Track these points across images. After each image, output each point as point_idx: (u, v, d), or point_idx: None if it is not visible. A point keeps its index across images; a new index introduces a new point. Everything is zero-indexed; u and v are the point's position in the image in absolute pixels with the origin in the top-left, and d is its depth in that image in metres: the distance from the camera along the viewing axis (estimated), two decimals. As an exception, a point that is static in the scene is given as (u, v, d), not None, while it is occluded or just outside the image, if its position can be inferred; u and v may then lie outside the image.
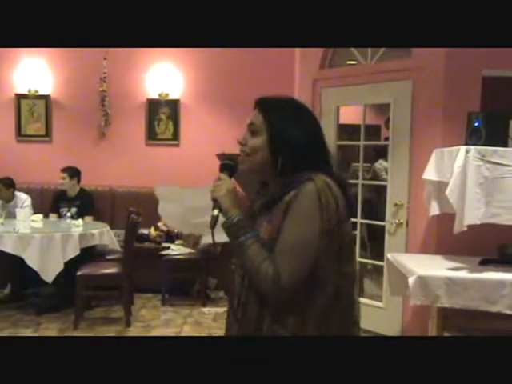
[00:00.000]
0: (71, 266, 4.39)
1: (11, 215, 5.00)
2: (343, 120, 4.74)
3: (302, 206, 1.32)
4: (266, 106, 1.44)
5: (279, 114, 1.42)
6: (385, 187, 4.33)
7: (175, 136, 6.02)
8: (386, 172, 4.86)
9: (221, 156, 1.54)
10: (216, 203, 1.42)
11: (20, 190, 5.41)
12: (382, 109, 5.41)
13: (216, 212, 1.42)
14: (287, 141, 1.39)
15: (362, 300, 4.47)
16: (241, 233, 1.37)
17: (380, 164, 5.72)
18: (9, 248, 4.32)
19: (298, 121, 1.42)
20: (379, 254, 4.41)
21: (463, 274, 2.95)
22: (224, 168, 1.46)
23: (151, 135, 6.04)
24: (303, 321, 1.35)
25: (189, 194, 1.58)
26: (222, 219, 1.43)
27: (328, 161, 1.44)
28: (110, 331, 4.30)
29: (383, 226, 4.28)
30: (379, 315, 4.27)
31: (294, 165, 1.38)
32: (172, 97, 6.01)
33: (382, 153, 5.33)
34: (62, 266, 4.34)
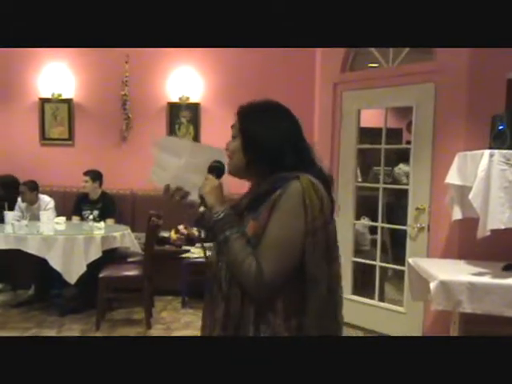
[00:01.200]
0: (93, 267, 4.44)
1: (35, 217, 5.08)
2: (364, 123, 4.72)
3: (287, 205, 1.35)
4: (240, 111, 1.51)
5: (251, 117, 1.48)
6: (405, 191, 4.30)
7: (196, 139, 6.05)
8: (407, 177, 4.82)
9: None
10: (202, 201, 1.47)
11: (43, 193, 5.49)
12: (404, 112, 5.37)
13: (201, 209, 1.49)
14: (259, 142, 1.43)
15: (383, 305, 4.44)
16: (226, 227, 1.40)
17: (399, 169, 5.66)
18: (33, 249, 4.39)
19: (271, 123, 1.46)
20: (400, 258, 4.38)
21: (486, 280, 2.92)
22: (211, 169, 1.52)
23: (172, 139, 6.09)
24: (289, 318, 1.37)
25: (195, 150, 1.55)
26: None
27: (311, 160, 1.47)
28: (131, 333, 4.34)
29: (404, 231, 4.24)
30: (400, 320, 4.23)
31: (269, 166, 1.42)
32: (192, 100, 6.05)
33: (402, 157, 5.28)
34: (84, 268, 4.40)
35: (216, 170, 1.52)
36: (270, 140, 1.43)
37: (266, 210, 1.38)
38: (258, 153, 1.43)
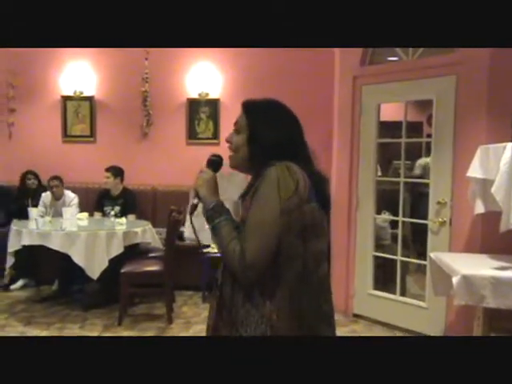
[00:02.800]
0: (115, 263, 4.49)
1: (58, 213, 5.16)
2: (383, 116, 4.68)
3: (263, 189, 1.44)
4: (248, 107, 1.60)
5: (259, 115, 1.57)
6: (425, 185, 4.25)
7: (215, 135, 6.07)
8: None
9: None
10: (196, 193, 1.59)
11: (66, 189, 5.57)
12: (424, 105, 5.31)
13: (195, 200, 1.60)
14: (263, 139, 1.52)
15: (405, 299, 4.41)
16: (215, 216, 1.51)
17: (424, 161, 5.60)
18: (56, 245, 4.45)
19: (275, 122, 1.55)
20: (422, 252, 4.34)
21: (510, 274, 2.88)
22: (209, 163, 1.64)
23: (192, 134, 6.12)
24: (273, 298, 1.43)
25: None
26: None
27: (308, 157, 1.56)
28: (153, 327, 4.38)
29: (425, 225, 4.20)
30: (422, 315, 4.20)
31: (270, 161, 1.48)
32: (212, 96, 6.07)
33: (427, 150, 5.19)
34: (106, 264, 4.45)
35: (214, 163, 1.64)
36: (274, 137, 1.52)
37: (249, 199, 1.49)
38: (263, 148, 1.52)
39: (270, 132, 1.53)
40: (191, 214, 1.62)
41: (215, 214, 1.52)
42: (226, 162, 1.65)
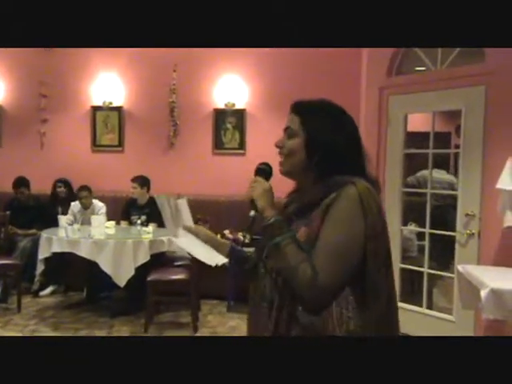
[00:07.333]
0: (141, 271, 4.55)
1: (86, 222, 5.25)
2: (410, 126, 4.64)
3: (343, 209, 1.30)
4: (301, 109, 1.46)
5: (315, 116, 1.43)
6: (453, 197, 4.19)
7: (241, 145, 6.11)
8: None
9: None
10: (252, 204, 1.42)
11: (94, 198, 5.66)
12: (453, 115, 5.26)
13: (253, 213, 1.42)
14: (323, 143, 1.39)
15: (431, 312, 4.34)
16: (277, 233, 1.35)
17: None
18: (84, 253, 4.54)
19: (333, 123, 1.42)
20: (450, 265, 4.29)
21: (541, 288, 2.81)
22: (259, 172, 1.49)
23: (218, 144, 6.17)
24: (346, 330, 1.31)
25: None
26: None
27: (364, 164, 1.44)
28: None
29: (449, 236, 4.14)
30: (449, 329, 4.13)
31: (330, 167, 1.38)
32: (238, 107, 6.11)
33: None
34: (133, 272, 4.51)
35: (263, 172, 1.49)
36: (337, 141, 1.40)
37: (318, 216, 1.33)
38: (324, 152, 1.39)
39: (330, 134, 1.40)
40: (250, 228, 1.45)
41: (276, 230, 1.35)
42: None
